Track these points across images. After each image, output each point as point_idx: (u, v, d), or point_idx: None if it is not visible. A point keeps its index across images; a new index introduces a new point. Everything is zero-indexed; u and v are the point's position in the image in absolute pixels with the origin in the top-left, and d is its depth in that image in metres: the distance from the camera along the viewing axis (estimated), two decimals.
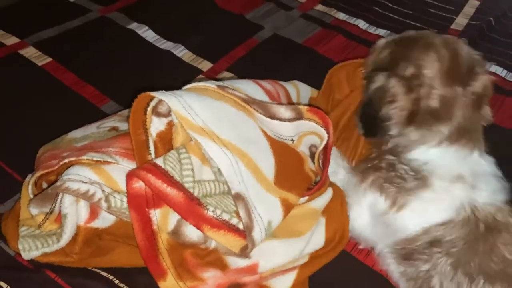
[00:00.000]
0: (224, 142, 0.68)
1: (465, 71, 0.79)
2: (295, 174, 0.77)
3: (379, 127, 0.80)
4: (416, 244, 0.74)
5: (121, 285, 0.73)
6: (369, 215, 0.80)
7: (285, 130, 0.78)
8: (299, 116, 0.77)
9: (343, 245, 0.82)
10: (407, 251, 0.75)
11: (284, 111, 0.77)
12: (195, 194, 0.66)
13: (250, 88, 0.82)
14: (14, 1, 1.41)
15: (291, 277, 0.75)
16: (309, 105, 0.82)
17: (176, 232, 0.68)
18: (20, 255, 0.74)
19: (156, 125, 0.70)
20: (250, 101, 0.75)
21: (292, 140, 0.80)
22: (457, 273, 0.70)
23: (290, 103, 0.90)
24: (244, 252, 0.68)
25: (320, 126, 0.77)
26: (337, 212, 0.82)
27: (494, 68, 1.32)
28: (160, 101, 0.70)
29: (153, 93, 0.69)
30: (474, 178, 0.75)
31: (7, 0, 1.41)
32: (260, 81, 0.87)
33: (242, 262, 0.71)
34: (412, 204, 0.75)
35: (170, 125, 0.71)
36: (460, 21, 1.53)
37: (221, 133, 0.68)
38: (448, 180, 0.75)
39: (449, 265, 0.71)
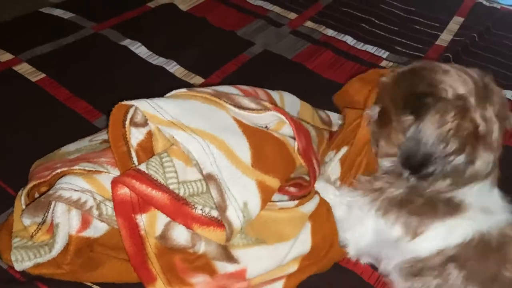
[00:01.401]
0: (193, 130, 0.70)
1: (484, 89, 0.75)
2: (274, 157, 0.76)
3: (431, 162, 0.71)
4: (428, 262, 0.74)
5: None
6: (374, 239, 0.79)
7: (257, 120, 0.79)
8: (264, 108, 0.79)
9: (334, 255, 0.83)
10: (417, 268, 0.75)
11: (249, 103, 0.79)
12: (181, 194, 0.67)
13: (222, 87, 0.85)
14: (8, 18, 1.44)
15: (278, 285, 0.77)
16: (276, 106, 0.84)
17: (163, 237, 0.69)
18: (12, 268, 0.75)
19: (136, 135, 0.73)
20: (219, 95, 0.78)
21: (266, 127, 0.81)
22: (468, 285, 0.70)
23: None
24: (228, 240, 0.68)
25: (288, 122, 0.79)
26: (323, 219, 0.83)
27: None
28: (136, 111, 0.72)
29: (125, 102, 0.72)
30: (495, 206, 0.76)
31: (1, 17, 1.43)
32: (238, 85, 0.89)
33: (230, 267, 0.73)
34: (432, 231, 0.73)
35: (150, 134, 0.73)
36: (445, 37, 1.58)
37: (191, 124, 0.71)
38: (479, 210, 0.74)
39: (461, 278, 0.71)
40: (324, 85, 1.32)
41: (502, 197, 0.79)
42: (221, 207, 0.67)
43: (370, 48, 1.49)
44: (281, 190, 0.80)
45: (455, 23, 1.66)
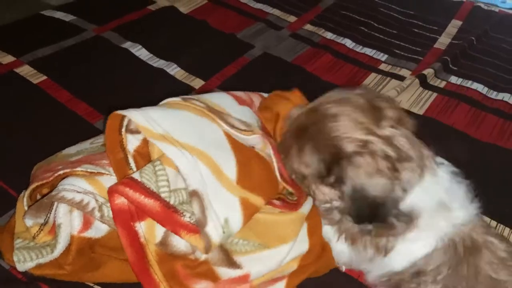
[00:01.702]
0: (183, 145, 0.71)
1: (373, 111, 0.74)
2: (259, 176, 0.78)
3: (382, 208, 0.72)
4: (402, 276, 0.76)
5: None
6: (351, 258, 0.81)
7: (246, 141, 0.81)
8: (251, 131, 0.80)
9: (330, 255, 0.84)
10: (395, 281, 0.77)
11: (239, 124, 0.80)
12: (171, 202, 0.69)
13: (217, 96, 0.86)
14: (9, 21, 1.45)
15: (281, 285, 0.78)
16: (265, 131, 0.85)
17: (164, 243, 0.70)
18: (14, 268, 0.76)
19: (132, 142, 0.74)
20: (212, 111, 0.79)
21: (253, 147, 0.82)
22: None
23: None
24: (206, 252, 0.69)
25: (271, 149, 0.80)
26: (318, 218, 0.84)
27: (476, 85, 1.37)
28: (130, 120, 0.73)
29: (119, 112, 0.73)
30: (449, 196, 0.75)
31: (2, 19, 1.45)
32: (232, 92, 0.90)
33: (233, 273, 0.74)
34: (398, 247, 0.75)
35: (145, 140, 0.74)
36: (443, 40, 1.59)
37: (181, 138, 0.72)
38: (435, 212, 0.74)
39: None
40: (323, 87, 1.31)
41: (458, 182, 0.77)
42: (201, 223, 0.69)
43: (369, 51, 1.51)
44: (269, 202, 0.80)
45: (454, 26, 1.68)
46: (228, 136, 0.78)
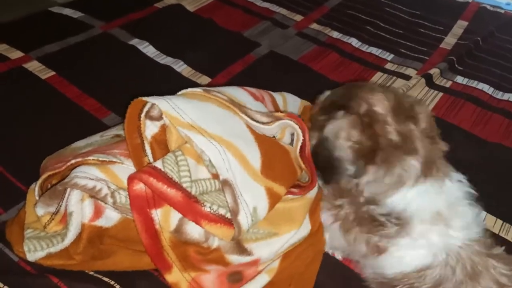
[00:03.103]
0: (211, 135, 0.72)
1: (409, 109, 0.76)
2: (281, 166, 0.80)
3: (335, 167, 0.75)
4: (395, 285, 0.74)
5: None
6: (345, 247, 0.82)
7: (265, 131, 0.82)
8: (275, 119, 0.81)
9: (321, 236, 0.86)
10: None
11: (260, 117, 0.81)
12: (193, 192, 0.69)
13: (234, 90, 0.87)
14: (18, 17, 1.46)
15: (275, 263, 0.80)
16: (286, 112, 0.86)
17: (178, 231, 0.71)
18: (23, 260, 0.76)
19: (150, 128, 0.74)
20: (233, 103, 0.80)
21: (274, 136, 0.84)
22: None
23: (272, 111, 0.93)
24: (234, 240, 0.72)
25: (298, 127, 0.81)
26: (317, 200, 0.86)
27: (481, 85, 1.38)
28: (152, 106, 0.74)
29: (145, 98, 0.73)
30: (450, 211, 0.73)
31: (11, 15, 1.45)
32: (245, 87, 0.92)
33: (244, 259, 0.75)
34: (391, 250, 0.74)
35: (164, 127, 0.75)
36: (449, 41, 1.59)
37: (208, 128, 0.73)
38: (428, 222, 0.73)
39: None
40: (329, 86, 1.32)
41: (469, 204, 0.76)
42: (234, 211, 0.70)
43: (375, 51, 1.51)
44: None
45: (459, 27, 1.68)
46: (250, 128, 0.79)
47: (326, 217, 0.84)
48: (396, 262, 0.75)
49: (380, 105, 0.75)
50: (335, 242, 0.84)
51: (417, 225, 0.72)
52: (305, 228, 0.83)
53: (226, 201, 0.70)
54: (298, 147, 0.83)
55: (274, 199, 0.76)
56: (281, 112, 0.86)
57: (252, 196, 0.72)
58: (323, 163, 0.79)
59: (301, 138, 0.82)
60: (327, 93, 0.88)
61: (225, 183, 0.70)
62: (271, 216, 0.77)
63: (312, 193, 0.85)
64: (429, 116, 0.77)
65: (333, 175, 0.77)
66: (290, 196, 0.81)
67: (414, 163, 0.73)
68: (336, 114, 0.76)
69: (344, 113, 0.75)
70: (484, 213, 0.97)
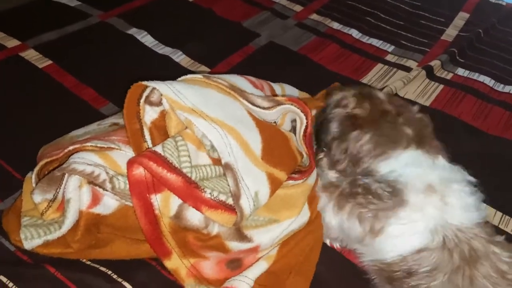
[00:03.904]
0: (213, 119, 0.72)
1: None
2: (281, 152, 0.79)
3: (324, 127, 0.83)
4: (394, 270, 0.73)
5: (119, 279, 0.75)
6: (343, 232, 0.80)
7: (266, 116, 0.81)
8: (277, 104, 0.81)
9: (319, 223, 0.85)
10: (387, 275, 0.74)
11: (261, 102, 0.80)
12: (193, 178, 0.69)
13: (234, 77, 0.87)
14: (15, 5, 1.44)
15: (274, 251, 0.80)
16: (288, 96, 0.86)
17: (178, 217, 0.71)
18: (20, 250, 0.76)
19: (150, 113, 0.73)
20: (234, 89, 0.80)
21: (275, 122, 0.83)
22: None
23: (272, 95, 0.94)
24: (236, 225, 0.71)
25: (300, 111, 0.82)
26: (314, 193, 0.86)
27: (482, 78, 1.37)
28: (152, 91, 0.73)
29: (145, 82, 0.72)
30: (443, 187, 0.73)
31: (8, 3, 1.44)
32: (245, 75, 0.91)
33: (244, 246, 0.75)
34: (389, 229, 0.73)
35: (163, 113, 0.74)
36: (450, 32, 1.58)
37: (210, 113, 0.72)
38: (422, 192, 0.73)
39: None
40: (329, 77, 1.32)
41: (458, 176, 0.76)
42: (236, 195, 0.69)
43: (375, 42, 1.50)
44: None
45: (461, 18, 1.67)
46: (251, 115, 0.78)
47: (322, 199, 0.84)
48: (393, 243, 0.74)
49: (379, 93, 0.86)
50: (333, 231, 0.83)
51: (411, 195, 0.73)
52: (304, 215, 0.82)
53: (228, 186, 0.70)
54: (302, 131, 0.82)
55: (275, 184, 0.75)
56: (283, 96, 0.86)
57: (254, 181, 0.71)
58: (319, 128, 0.85)
59: (305, 121, 0.81)
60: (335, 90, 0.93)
61: (227, 167, 0.69)
62: (271, 202, 0.76)
63: (311, 180, 0.84)
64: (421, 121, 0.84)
65: (322, 134, 0.84)
66: (291, 182, 0.80)
67: (405, 128, 0.79)
68: (339, 91, 0.87)
69: (347, 90, 0.86)
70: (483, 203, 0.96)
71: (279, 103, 0.81)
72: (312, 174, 0.84)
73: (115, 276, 0.75)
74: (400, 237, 0.73)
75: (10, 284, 0.72)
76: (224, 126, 0.72)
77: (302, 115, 0.81)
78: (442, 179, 0.74)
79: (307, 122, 0.82)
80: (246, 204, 0.69)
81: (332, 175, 0.84)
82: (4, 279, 0.72)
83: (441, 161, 0.78)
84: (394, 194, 0.73)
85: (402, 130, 0.79)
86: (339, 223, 0.79)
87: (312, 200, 0.84)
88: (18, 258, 0.77)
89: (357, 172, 0.79)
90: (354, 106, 0.83)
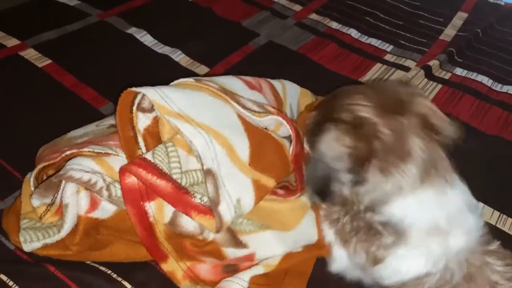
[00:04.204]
0: (199, 124, 0.71)
1: (398, 104, 0.71)
2: (271, 158, 0.78)
3: (332, 182, 0.71)
4: None
5: (119, 279, 0.75)
6: (348, 263, 0.79)
7: (256, 122, 0.80)
8: (267, 112, 0.79)
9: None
10: None
11: (252, 105, 0.80)
12: (183, 183, 0.69)
13: (227, 79, 0.86)
14: (14, 4, 1.44)
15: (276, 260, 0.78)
16: (279, 110, 0.84)
17: (173, 223, 0.71)
18: (20, 249, 0.76)
19: (143, 120, 0.74)
20: (225, 91, 0.79)
21: (266, 128, 0.82)
22: None
23: (270, 102, 0.92)
24: (218, 231, 0.70)
25: (289, 127, 0.80)
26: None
27: (480, 77, 1.37)
28: (143, 97, 0.73)
29: (134, 89, 0.72)
30: (449, 222, 0.71)
31: (8, 3, 1.44)
32: (240, 76, 0.90)
33: (239, 252, 0.75)
34: (388, 259, 0.73)
35: (156, 119, 0.74)
36: (449, 32, 1.58)
37: (197, 117, 0.72)
38: (427, 234, 0.70)
39: None
40: (328, 77, 1.33)
41: (463, 204, 0.73)
42: (215, 202, 0.69)
43: (374, 42, 1.50)
44: (271, 191, 0.80)
45: (459, 18, 1.67)
46: (241, 118, 0.78)
47: (329, 235, 0.81)
48: (393, 272, 0.73)
49: (363, 109, 0.70)
50: (339, 264, 0.80)
51: (414, 236, 0.70)
52: (307, 234, 0.81)
53: (207, 191, 0.69)
54: (291, 150, 0.81)
55: (261, 191, 0.74)
56: (279, 98, 0.85)
57: (236, 187, 0.71)
58: (319, 183, 0.74)
59: (294, 142, 0.80)
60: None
61: (208, 173, 0.69)
62: (259, 213, 0.76)
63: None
64: (425, 107, 0.72)
65: (330, 192, 0.72)
66: (273, 197, 0.80)
67: (410, 168, 0.68)
68: (325, 129, 0.72)
69: (332, 126, 0.71)
70: (481, 206, 0.97)
71: (268, 112, 0.79)
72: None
73: (114, 276, 0.75)
74: (399, 268, 0.73)
75: (10, 283, 0.72)
76: (210, 131, 0.71)
77: (291, 132, 0.79)
78: (449, 215, 0.71)
79: (294, 142, 0.80)
80: (225, 210, 0.69)
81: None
82: (4, 278, 0.72)
83: (449, 193, 0.71)
84: (396, 234, 0.71)
85: (406, 170, 0.68)
86: (347, 258, 0.79)
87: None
88: (18, 257, 0.77)
89: (361, 209, 0.74)
90: (353, 144, 0.69)
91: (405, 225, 0.70)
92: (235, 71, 1.29)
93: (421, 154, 0.68)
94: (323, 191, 0.73)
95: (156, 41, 1.37)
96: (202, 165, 0.69)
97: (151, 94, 0.72)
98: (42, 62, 1.22)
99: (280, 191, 0.82)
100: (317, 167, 0.73)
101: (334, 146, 0.70)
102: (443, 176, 0.71)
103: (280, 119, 0.80)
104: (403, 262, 0.72)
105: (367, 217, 0.73)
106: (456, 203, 0.72)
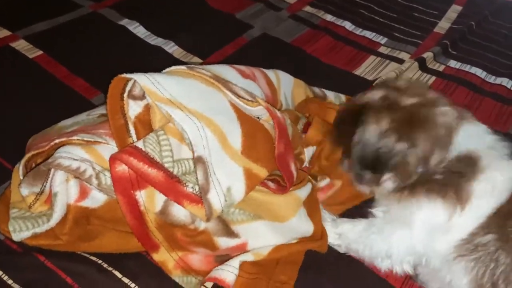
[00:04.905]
0: (191, 111, 0.70)
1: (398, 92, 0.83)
2: (264, 147, 0.77)
3: (382, 156, 0.77)
4: (477, 239, 0.72)
5: (110, 268, 0.75)
6: (425, 231, 0.76)
7: (250, 111, 0.80)
8: (257, 102, 0.79)
9: (325, 242, 0.83)
10: (471, 247, 0.72)
11: (244, 94, 0.79)
12: (175, 172, 0.68)
13: (220, 67, 0.86)
14: None
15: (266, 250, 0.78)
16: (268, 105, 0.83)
17: (164, 212, 0.70)
18: (9, 239, 0.75)
19: (134, 108, 0.72)
20: (218, 79, 0.78)
21: (258, 118, 0.81)
22: None
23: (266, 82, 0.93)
24: (207, 220, 0.69)
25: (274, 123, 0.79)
26: (317, 208, 0.85)
27: (474, 69, 1.37)
28: (134, 84, 0.72)
29: (125, 75, 0.71)
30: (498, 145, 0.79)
31: None
32: (233, 65, 0.90)
33: (232, 242, 0.75)
34: (474, 196, 0.73)
35: (147, 107, 0.73)
36: (443, 25, 1.58)
37: (188, 104, 0.71)
38: (488, 153, 0.77)
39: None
40: (322, 69, 1.32)
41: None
42: (204, 189, 0.68)
43: (368, 34, 1.50)
44: (262, 183, 0.79)
45: (454, 11, 1.67)
46: (234, 107, 0.77)
47: (326, 217, 0.85)
48: (478, 211, 0.73)
49: (378, 92, 0.82)
50: (345, 237, 0.82)
51: (484, 160, 0.75)
52: (305, 228, 0.80)
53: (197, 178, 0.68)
54: (276, 150, 0.79)
55: (252, 180, 0.74)
56: (273, 87, 0.85)
57: (227, 175, 0.70)
58: (372, 159, 0.79)
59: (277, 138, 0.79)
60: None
61: (199, 160, 0.68)
62: (250, 203, 0.75)
63: (301, 192, 0.82)
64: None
65: (383, 164, 0.78)
66: (264, 188, 0.79)
67: (446, 108, 0.79)
68: (362, 118, 0.80)
69: (366, 112, 0.80)
70: None
71: (259, 102, 0.79)
72: (301, 188, 0.82)
73: (105, 265, 0.75)
74: (484, 205, 0.73)
75: (0, 273, 0.71)
76: (202, 118, 0.70)
77: (275, 130, 0.78)
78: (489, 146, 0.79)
79: (277, 142, 0.78)
80: (215, 199, 0.68)
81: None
82: None
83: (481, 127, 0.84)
84: (470, 163, 0.75)
85: (444, 111, 0.79)
86: (424, 217, 0.76)
87: (314, 213, 0.83)
88: (7, 247, 0.77)
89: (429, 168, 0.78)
90: (390, 118, 0.78)
91: (474, 153, 0.76)
92: (228, 63, 1.26)
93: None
94: (376, 165, 0.79)
95: (149, 32, 1.36)
96: (193, 152, 0.68)
97: (142, 80, 0.70)
98: (34, 53, 1.21)
99: (272, 185, 0.81)
100: (364, 148, 0.79)
101: (377, 130, 0.78)
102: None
103: (268, 114, 0.79)
104: (486, 196, 0.73)
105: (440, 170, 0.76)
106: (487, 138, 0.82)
